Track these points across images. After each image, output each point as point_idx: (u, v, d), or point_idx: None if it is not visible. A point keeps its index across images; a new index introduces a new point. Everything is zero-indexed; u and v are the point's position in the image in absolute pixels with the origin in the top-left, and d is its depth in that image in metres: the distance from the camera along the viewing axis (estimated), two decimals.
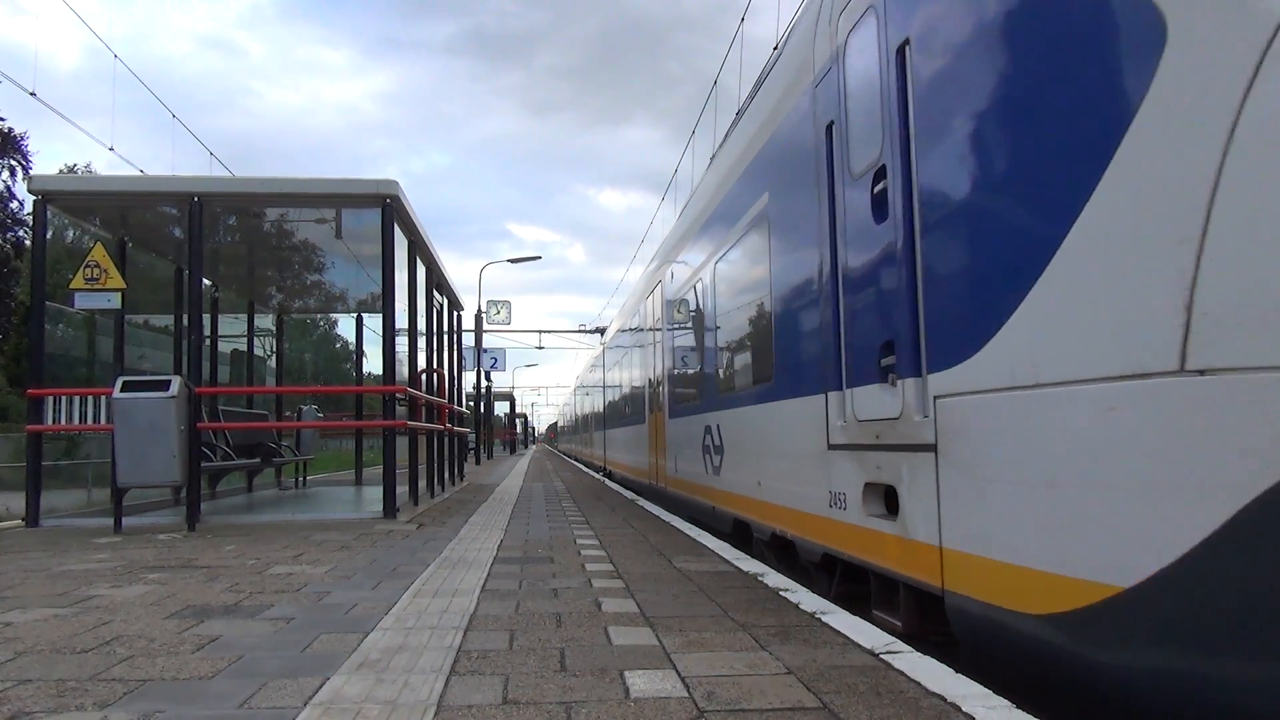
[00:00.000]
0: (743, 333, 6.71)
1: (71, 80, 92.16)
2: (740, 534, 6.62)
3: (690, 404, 8.72)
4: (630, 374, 15.13)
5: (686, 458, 8.87)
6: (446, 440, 12.65)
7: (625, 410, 16.18)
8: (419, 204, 8.96)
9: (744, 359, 6.74)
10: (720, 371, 7.50)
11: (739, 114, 10.17)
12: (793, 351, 5.25)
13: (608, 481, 15.85)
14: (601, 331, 35.53)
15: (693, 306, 8.71)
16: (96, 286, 7.73)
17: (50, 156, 64.19)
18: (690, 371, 8.98)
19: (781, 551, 5.61)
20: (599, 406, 23.75)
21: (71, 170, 37.17)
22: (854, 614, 3.60)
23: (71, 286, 7.77)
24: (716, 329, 7.55)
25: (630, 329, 15.02)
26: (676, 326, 9.84)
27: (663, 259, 10.98)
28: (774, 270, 5.62)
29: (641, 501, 10.47)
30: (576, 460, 32.08)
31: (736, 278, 6.89)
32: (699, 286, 8.26)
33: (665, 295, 10.53)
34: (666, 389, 10.34)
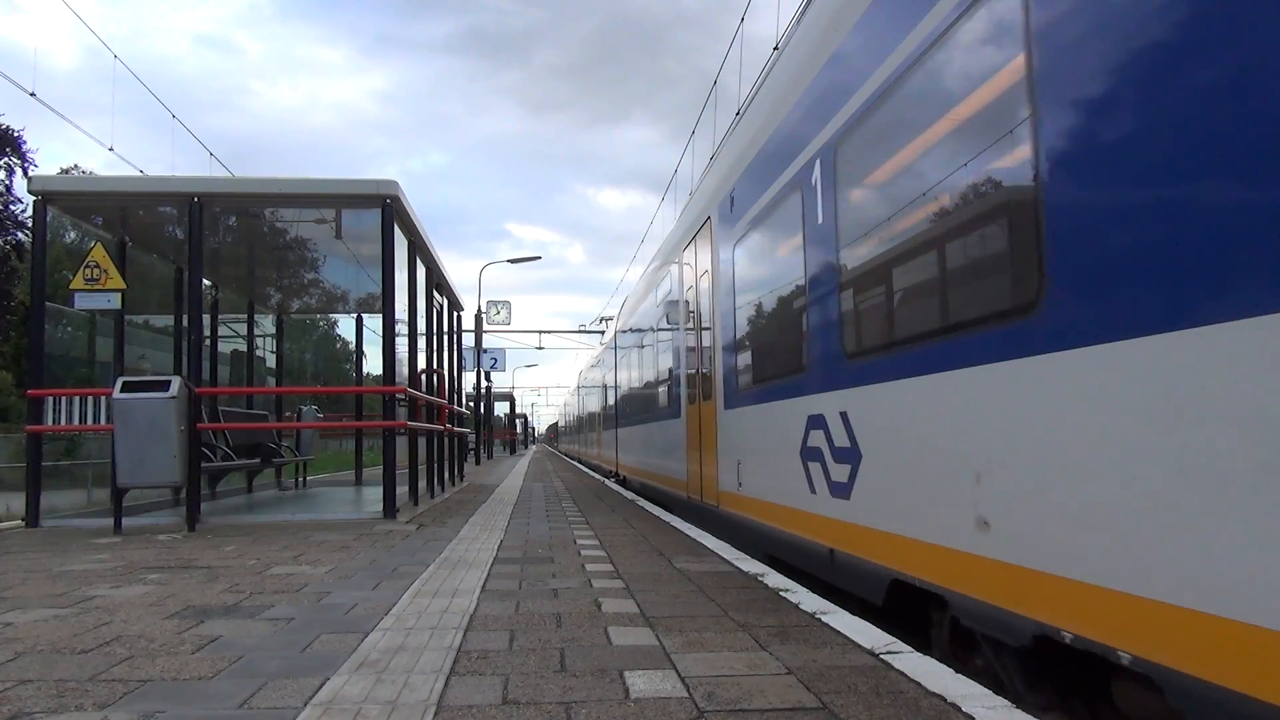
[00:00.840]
0: (918, 234, 3.74)
1: (69, 79, 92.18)
2: (904, 604, 3.79)
3: (772, 383, 5.79)
4: (655, 358, 11.85)
5: (763, 466, 6.03)
6: (446, 440, 12.64)
7: (647, 403, 12.76)
8: (418, 204, 8.97)
9: (921, 285, 3.83)
10: (848, 320, 4.47)
11: (739, 113, 10.09)
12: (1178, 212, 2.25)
13: (612, 484, 14.72)
14: (604, 325, 34.22)
15: (778, 230, 5.70)
16: (96, 287, 7.74)
17: (48, 156, 64.41)
18: (772, 334, 5.97)
19: (1058, 666, 2.83)
20: (609, 401, 20.12)
21: (66, 172, 37.16)
22: None
23: (71, 287, 7.78)
24: (837, 247, 4.51)
25: (654, 304, 11.83)
26: (743, 270, 6.72)
27: (717, 185, 7.68)
28: (1044, 61, 2.80)
29: (642, 502, 10.43)
30: (580, 462, 29.88)
31: (900, 138, 3.91)
32: (801, 191, 5.03)
33: (718, 231, 7.41)
34: (721, 367, 7.32)
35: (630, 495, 11.71)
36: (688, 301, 9.06)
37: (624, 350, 16.18)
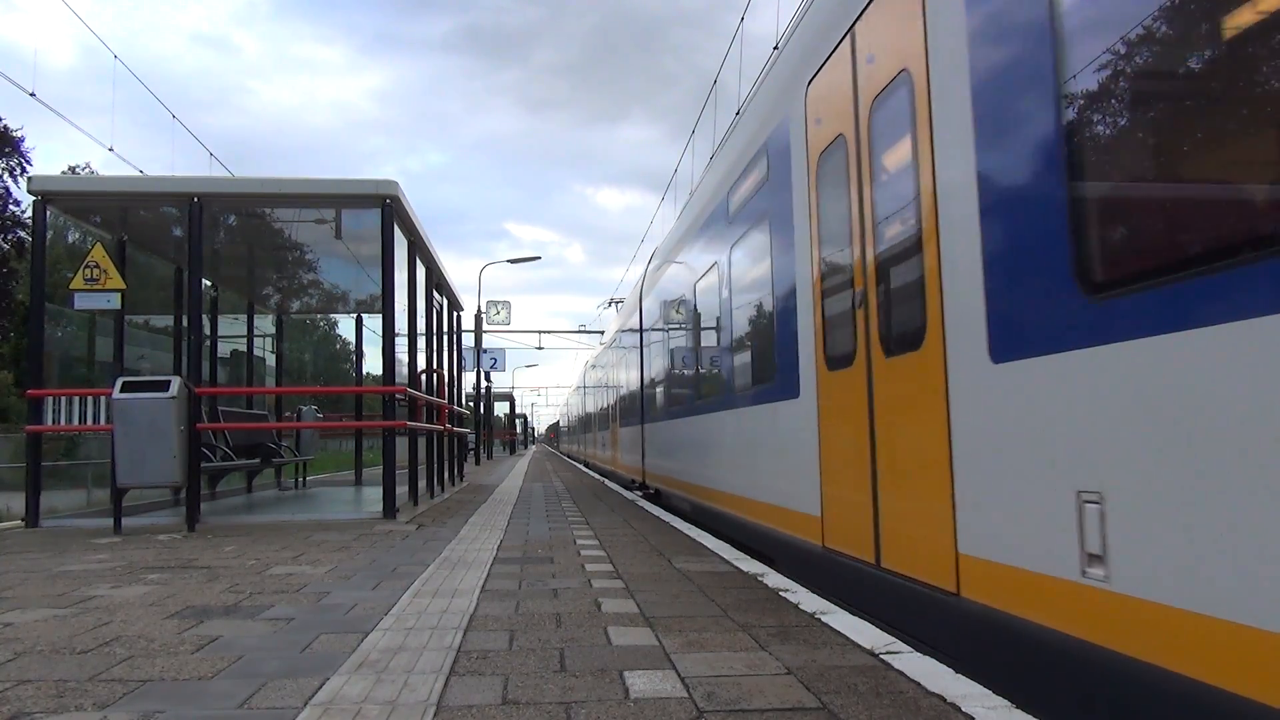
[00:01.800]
0: None
1: (65, 78, 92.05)
2: None
3: None
4: (725, 306, 7.67)
5: None
6: (446, 441, 12.64)
7: (708, 382, 8.66)
8: (416, 203, 8.97)
9: None
10: None
11: (739, 113, 9.79)
12: None
13: (637, 499, 10.92)
14: (615, 307, 31.62)
15: None
16: (96, 287, 7.74)
17: (46, 155, 64.29)
18: None
19: None
20: (633, 388, 15.57)
21: (74, 171, 37.21)
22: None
23: (71, 287, 7.78)
24: None
25: (723, 220, 7.62)
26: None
27: None
28: None
29: (641, 502, 10.37)
30: (589, 467, 25.55)
31: None
32: None
33: None
34: (1000, 263, 3.09)
35: (630, 496, 11.63)
36: (826, 176, 4.93)
37: (659, 314, 12.09)
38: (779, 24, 11.86)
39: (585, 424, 31.30)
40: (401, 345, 9.13)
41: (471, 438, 24.45)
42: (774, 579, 4.51)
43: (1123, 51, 2.56)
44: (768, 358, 6.32)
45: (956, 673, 2.69)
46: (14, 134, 34.33)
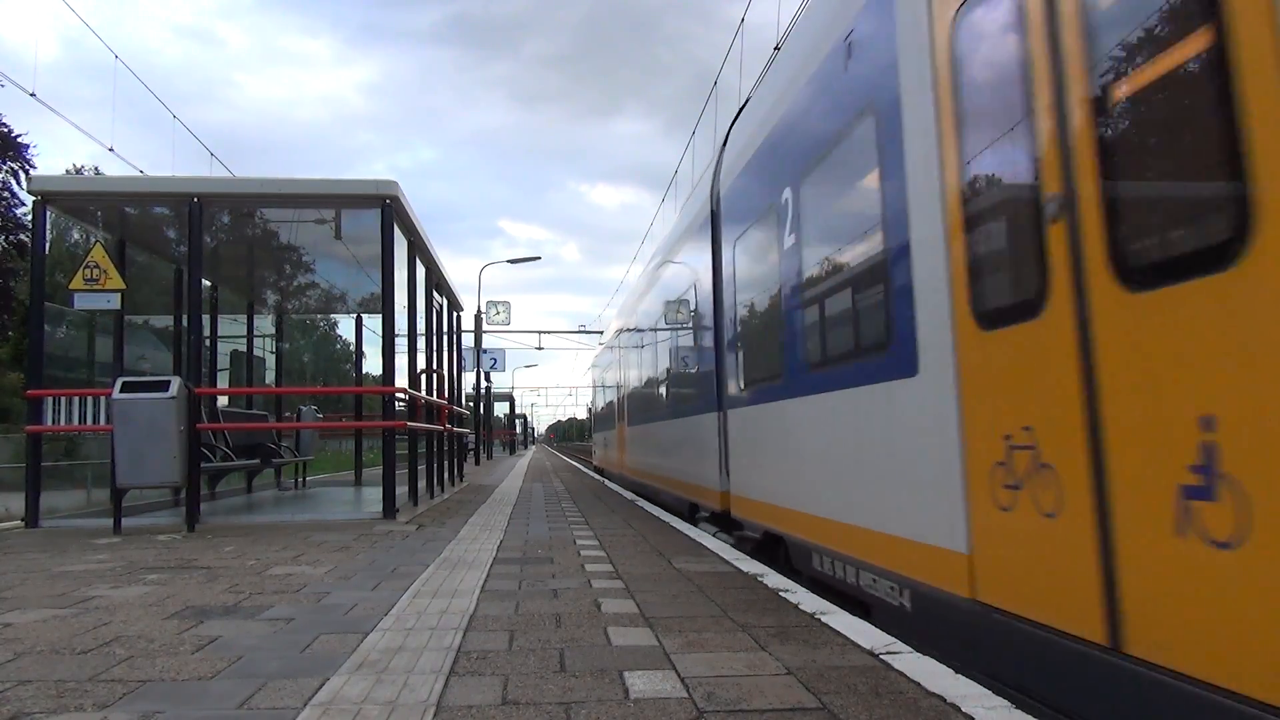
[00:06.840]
0: None
1: (48, 72, 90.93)
2: None
3: None
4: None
5: None
6: (446, 441, 12.64)
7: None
8: (410, 200, 8.94)
9: None
10: None
11: (740, 109, 10.01)
12: None
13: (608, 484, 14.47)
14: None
15: None
16: (96, 287, 7.73)
17: (37, 153, 63.59)
18: None
19: None
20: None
21: (79, 171, 37.15)
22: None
23: (71, 287, 7.77)
24: None
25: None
26: None
27: None
28: None
29: (641, 502, 10.40)
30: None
31: None
32: None
33: None
34: None
35: (630, 495, 11.63)
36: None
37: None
38: (779, 21, 11.82)
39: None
40: (401, 345, 9.14)
41: (471, 438, 24.45)
42: (773, 579, 4.51)
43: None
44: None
45: (957, 673, 2.69)
46: (17, 138, 34.28)
